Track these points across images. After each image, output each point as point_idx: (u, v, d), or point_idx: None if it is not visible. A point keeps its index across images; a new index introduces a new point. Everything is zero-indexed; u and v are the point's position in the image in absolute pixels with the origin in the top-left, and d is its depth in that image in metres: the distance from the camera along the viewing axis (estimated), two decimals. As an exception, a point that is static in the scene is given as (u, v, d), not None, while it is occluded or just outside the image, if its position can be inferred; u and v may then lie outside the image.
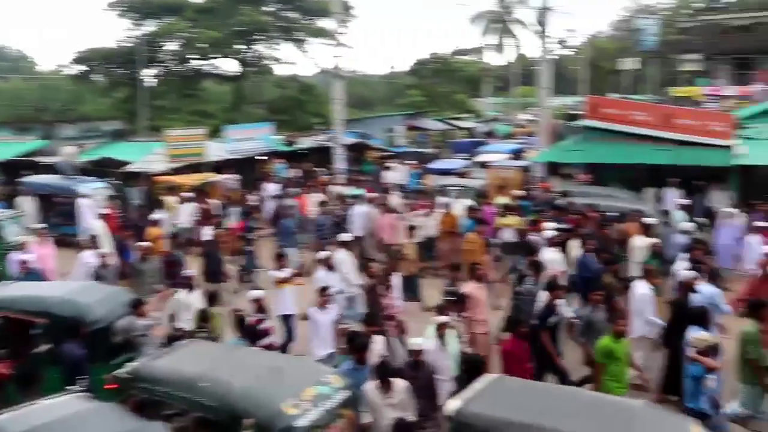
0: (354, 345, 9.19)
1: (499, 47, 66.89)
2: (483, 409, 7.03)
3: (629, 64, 54.91)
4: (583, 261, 13.30)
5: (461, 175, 25.81)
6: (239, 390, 7.30)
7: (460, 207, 18.35)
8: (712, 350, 9.02)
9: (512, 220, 17.04)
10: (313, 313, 11.21)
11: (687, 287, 11.00)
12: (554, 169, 24.75)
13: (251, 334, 10.39)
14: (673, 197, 19.59)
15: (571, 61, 67.05)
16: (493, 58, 72.12)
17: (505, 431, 6.70)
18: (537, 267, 12.40)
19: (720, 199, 19.42)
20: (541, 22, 28.15)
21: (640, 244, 14.43)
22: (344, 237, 14.90)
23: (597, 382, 9.47)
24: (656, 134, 21.96)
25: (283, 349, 12.24)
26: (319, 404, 7.37)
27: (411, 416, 8.08)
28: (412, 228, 16.56)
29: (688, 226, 15.72)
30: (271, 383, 7.49)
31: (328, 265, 13.13)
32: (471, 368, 8.97)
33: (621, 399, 8.14)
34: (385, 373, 8.25)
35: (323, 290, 11.41)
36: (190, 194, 20.65)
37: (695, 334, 9.17)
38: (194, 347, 8.88)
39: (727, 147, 20.86)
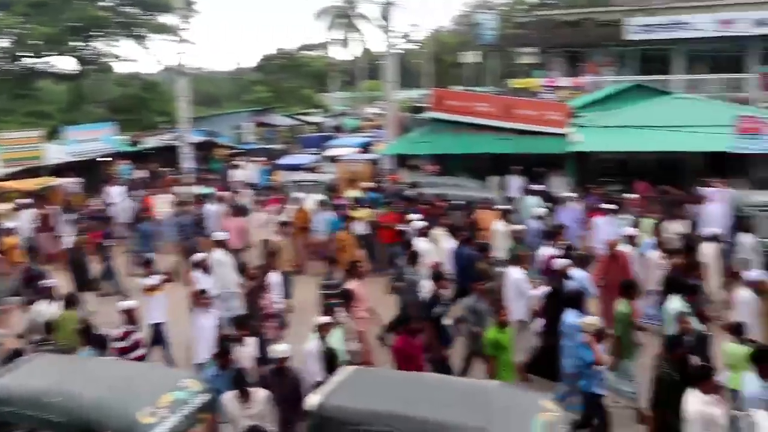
0: (217, 349, 8.98)
1: (344, 42, 67.37)
2: (343, 401, 7.07)
3: (470, 57, 56.48)
4: (458, 250, 13.54)
5: (311, 170, 25.83)
6: (91, 402, 7.00)
7: (311, 202, 18.40)
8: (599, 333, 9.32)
9: (363, 212, 17.24)
10: (196, 317, 10.84)
11: (561, 274, 11.40)
12: (402, 160, 25.20)
13: (101, 343, 9.93)
14: (516, 184, 20.45)
15: (415, 55, 68.25)
16: (339, 53, 72.47)
17: (366, 421, 6.76)
18: (414, 258, 12.52)
19: (559, 185, 20.37)
20: (385, 17, 28.54)
21: (501, 230, 14.90)
22: (219, 236, 14.34)
23: (491, 374, 9.55)
24: (498, 124, 22.74)
25: (168, 358, 11.83)
26: (176, 410, 7.18)
27: (269, 427, 7.89)
28: (284, 224, 16.42)
29: (541, 211, 16.43)
30: (125, 393, 7.22)
31: (204, 266, 12.74)
32: (329, 361, 9.03)
33: (477, 381, 8.41)
34: (243, 382, 8.04)
35: (202, 293, 11.04)
36: (28, 200, 19.62)
37: (584, 319, 9.44)
38: (40, 362, 8.42)
39: (563, 135, 21.94)
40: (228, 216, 17.70)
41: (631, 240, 13.31)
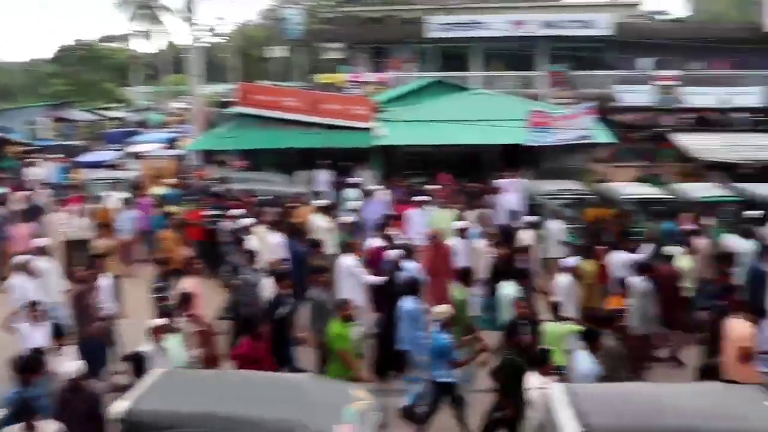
0: (17, 366, 8.17)
1: (147, 34, 65.17)
2: (153, 404, 6.89)
3: (277, 52, 56.53)
4: (291, 246, 13.44)
5: (114, 167, 25.00)
6: None
7: (114, 201, 17.79)
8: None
9: (172, 209, 16.89)
10: (28, 331, 9.80)
11: (395, 265, 11.64)
12: (209, 156, 24.87)
13: None
14: (324, 178, 20.72)
15: (221, 49, 67.30)
16: (142, 46, 70.09)
17: (178, 424, 6.65)
18: (251, 256, 12.26)
19: (365, 178, 20.81)
20: (190, 9, 28.00)
21: (321, 224, 14.99)
22: (40, 242, 13.11)
23: (352, 366, 9.35)
24: (305, 119, 22.83)
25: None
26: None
27: None
28: (103, 226, 15.64)
29: (356, 204, 16.71)
30: None
31: (28, 271, 11.65)
32: (135, 365, 8.71)
33: (289, 375, 8.48)
34: (29, 413, 7.15)
35: (33, 303, 10.03)
36: None
37: (436, 308, 9.59)
38: None
39: (369, 129, 22.45)
40: (18, 218, 16.63)
41: (460, 231, 13.78)
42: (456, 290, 10.80)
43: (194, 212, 16.58)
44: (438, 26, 35.11)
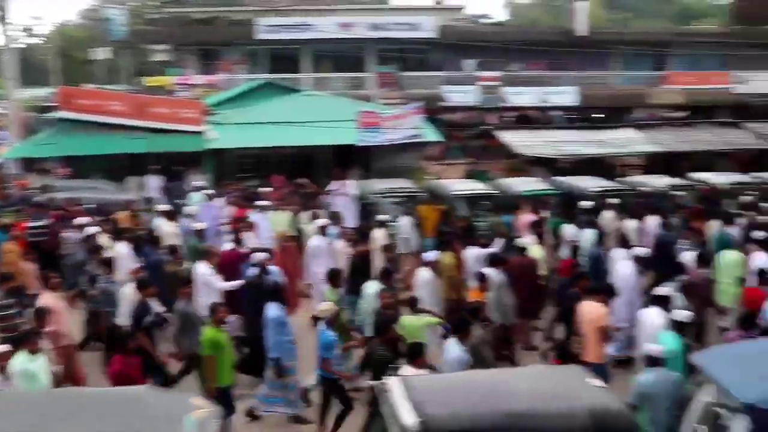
0: None
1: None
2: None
3: (101, 54, 54.21)
4: (146, 255, 13.06)
5: None
6: None
7: None
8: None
9: (5, 221, 15.96)
10: None
11: (262, 267, 11.52)
12: (30, 164, 23.70)
13: None
14: (155, 184, 20.23)
15: (40, 50, 63.89)
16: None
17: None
18: (109, 265, 11.87)
19: (198, 182, 20.45)
20: (2, 7, 26.56)
21: (167, 230, 14.79)
22: None
23: (211, 374, 9.16)
24: (132, 123, 22.20)
25: None
26: None
27: None
28: None
29: (194, 209, 16.44)
30: None
31: None
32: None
33: (124, 389, 8.21)
34: None
35: None
36: None
37: (321, 306, 9.68)
38: None
39: (199, 133, 22.12)
40: None
41: (321, 229, 13.86)
42: (327, 292, 10.92)
43: (16, 223, 15.75)
44: (267, 28, 35.01)
